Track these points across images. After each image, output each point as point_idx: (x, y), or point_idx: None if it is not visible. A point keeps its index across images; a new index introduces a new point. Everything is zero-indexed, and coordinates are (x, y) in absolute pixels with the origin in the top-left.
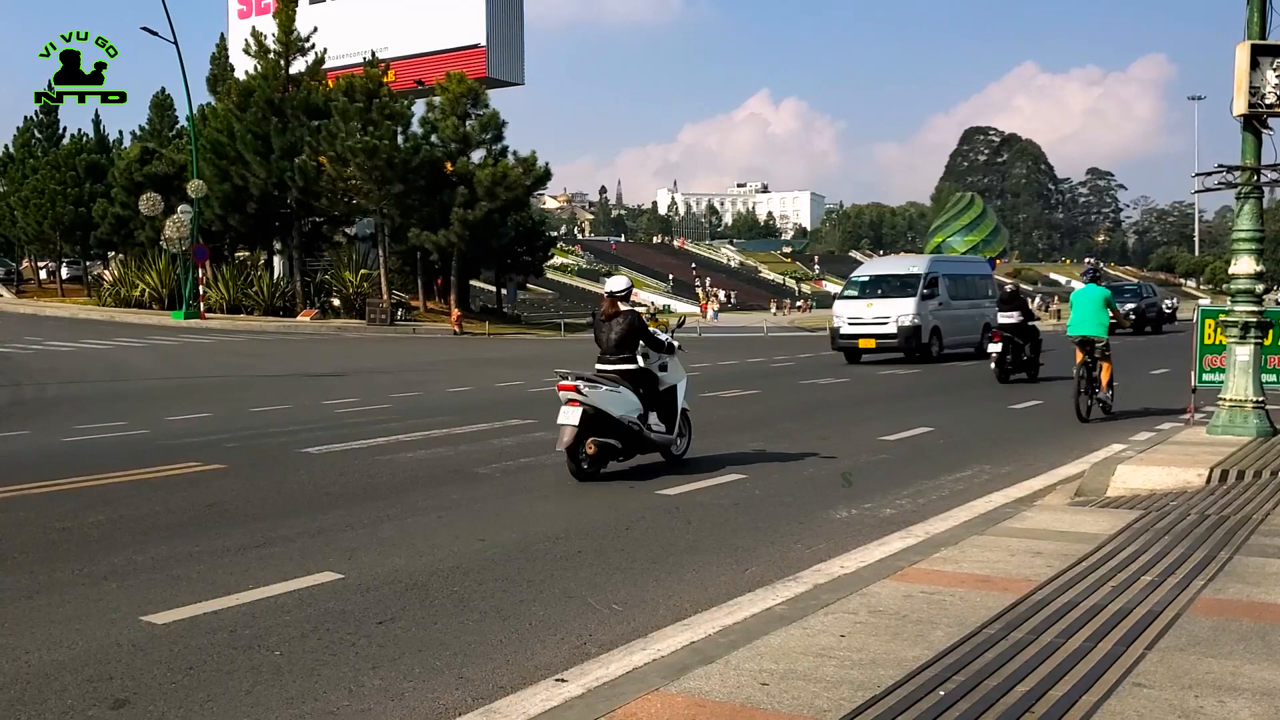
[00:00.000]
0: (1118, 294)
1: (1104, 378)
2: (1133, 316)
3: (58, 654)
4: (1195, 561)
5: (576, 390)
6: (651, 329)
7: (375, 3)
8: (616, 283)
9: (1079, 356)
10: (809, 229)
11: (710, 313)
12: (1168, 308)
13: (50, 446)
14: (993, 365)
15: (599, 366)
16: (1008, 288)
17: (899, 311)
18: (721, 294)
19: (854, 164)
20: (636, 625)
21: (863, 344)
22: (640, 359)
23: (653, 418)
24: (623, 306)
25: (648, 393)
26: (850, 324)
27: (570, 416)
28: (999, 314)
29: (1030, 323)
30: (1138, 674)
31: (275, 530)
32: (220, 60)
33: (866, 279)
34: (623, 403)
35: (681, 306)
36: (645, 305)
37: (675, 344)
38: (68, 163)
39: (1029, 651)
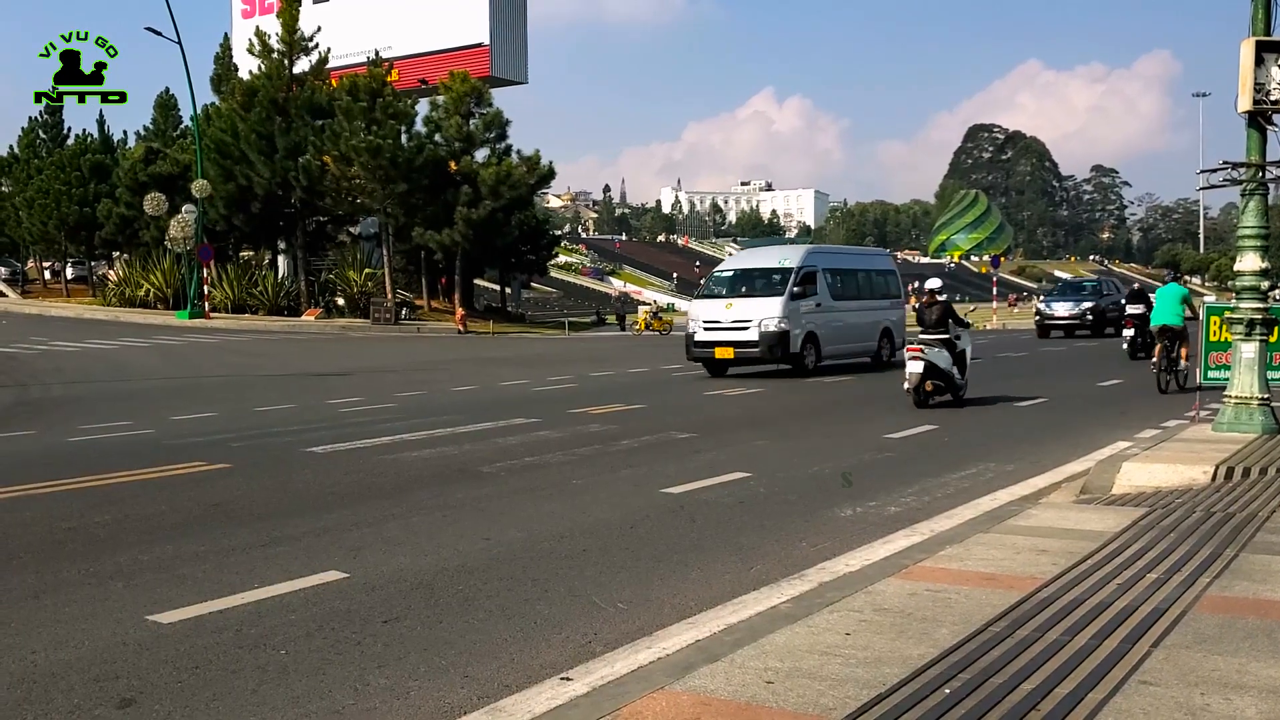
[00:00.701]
0: (1075, 290)
1: (1182, 357)
2: (1089, 317)
3: (64, 653)
4: (1201, 559)
5: (921, 350)
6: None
7: (379, 2)
8: (933, 283)
9: (1159, 342)
10: (813, 227)
11: None
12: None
13: (56, 446)
14: (1125, 345)
15: (923, 337)
16: (1135, 285)
17: (762, 314)
18: None
19: (858, 162)
20: (642, 624)
21: (720, 353)
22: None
23: (955, 370)
24: (939, 298)
25: (952, 353)
26: (706, 329)
27: (916, 367)
28: (1129, 306)
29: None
30: (1144, 672)
31: (280, 529)
32: (224, 60)
33: (730, 274)
34: (943, 358)
35: (685, 305)
36: (649, 303)
37: (969, 323)
38: (72, 163)
39: (1034, 649)
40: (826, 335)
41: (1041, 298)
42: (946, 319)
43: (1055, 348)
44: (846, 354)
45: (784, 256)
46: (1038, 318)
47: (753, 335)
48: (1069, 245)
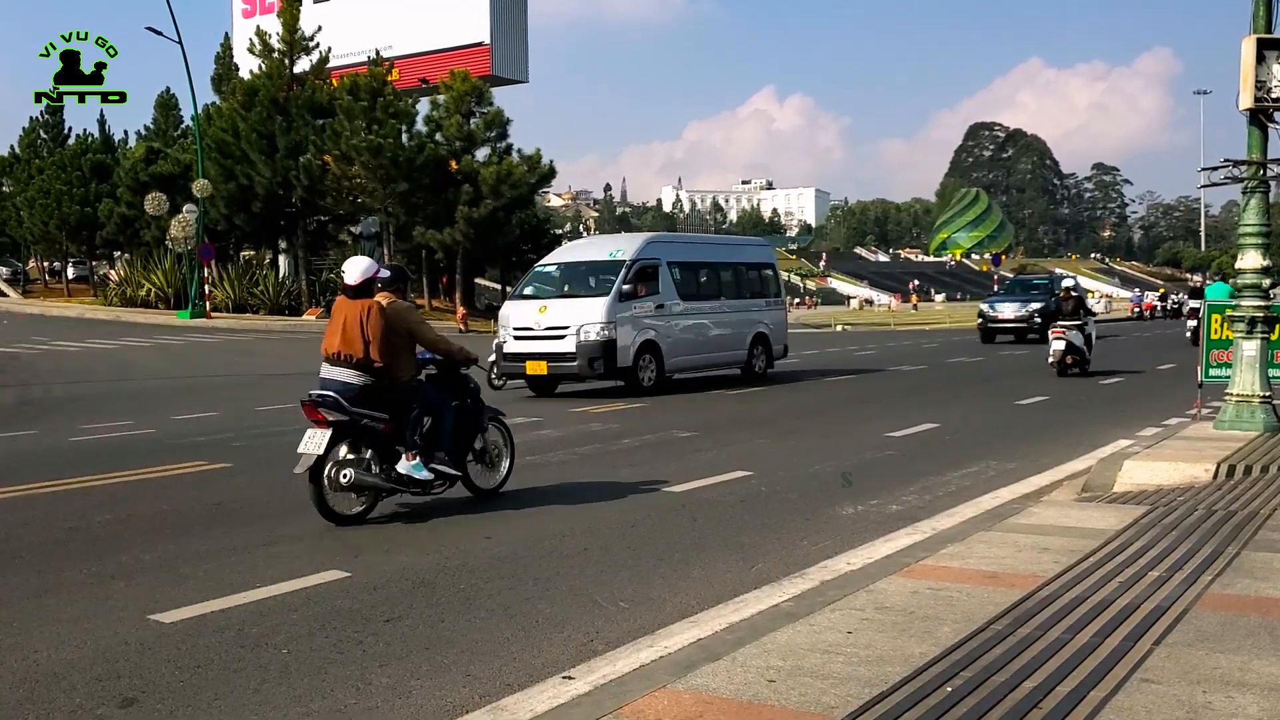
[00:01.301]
0: (1023, 290)
1: None
2: (1037, 319)
3: (66, 653)
4: (1203, 557)
5: (1064, 332)
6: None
7: (379, 2)
8: (1068, 281)
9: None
10: (814, 226)
11: None
12: (1107, 308)
13: (57, 446)
14: (1187, 334)
15: (1062, 324)
16: (1197, 282)
17: (582, 318)
18: None
19: (859, 160)
20: (643, 623)
21: (531, 368)
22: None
23: (1085, 348)
24: (1074, 294)
25: (1083, 335)
26: (517, 338)
27: (1059, 345)
28: (1190, 301)
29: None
30: (1146, 669)
31: (282, 529)
32: (225, 60)
33: (553, 269)
34: (1079, 339)
35: None
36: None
37: (1096, 314)
38: (73, 163)
39: (1036, 647)
40: (673, 344)
41: (986, 298)
42: (1079, 310)
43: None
44: (704, 365)
45: (618, 247)
46: (980, 320)
47: (568, 346)
48: (1070, 243)
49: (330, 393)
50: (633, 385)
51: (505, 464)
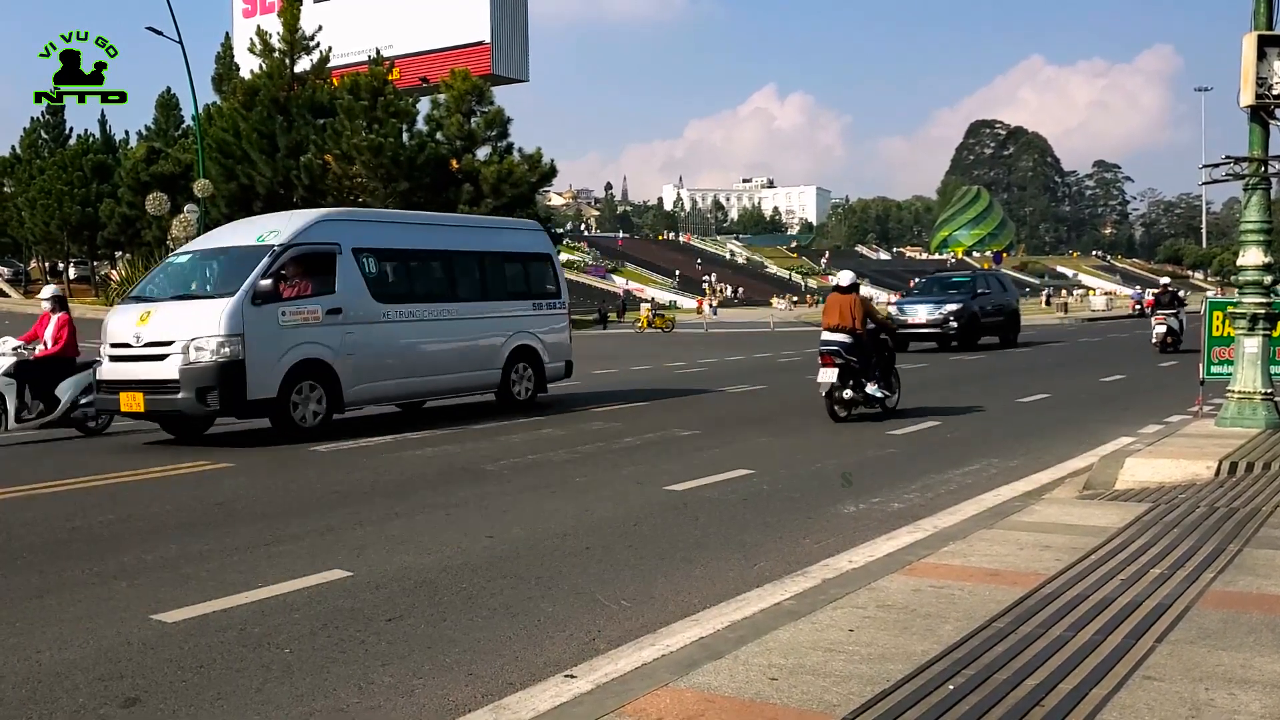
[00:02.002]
0: (940, 289)
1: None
2: (953, 324)
3: (68, 653)
4: (1205, 554)
5: (1165, 319)
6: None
7: (380, 1)
8: (1165, 279)
9: None
10: (815, 224)
11: (707, 308)
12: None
13: (59, 446)
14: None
15: (1162, 313)
16: None
17: (192, 330)
18: (728, 289)
19: (860, 159)
20: (645, 621)
21: (126, 401)
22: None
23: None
24: (1170, 289)
25: (1179, 320)
26: (113, 357)
27: (1161, 328)
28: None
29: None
30: (1148, 667)
31: (284, 528)
32: (225, 59)
33: (184, 260)
34: (1178, 324)
35: (687, 303)
36: (649, 301)
37: (1185, 305)
38: (74, 163)
39: (1038, 645)
40: (359, 366)
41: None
42: (1174, 301)
43: (1068, 341)
44: (422, 392)
45: (272, 228)
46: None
47: (168, 372)
48: (1071, 241)
49: (835, 347)
50: (285, 427)
51: (898, 394)
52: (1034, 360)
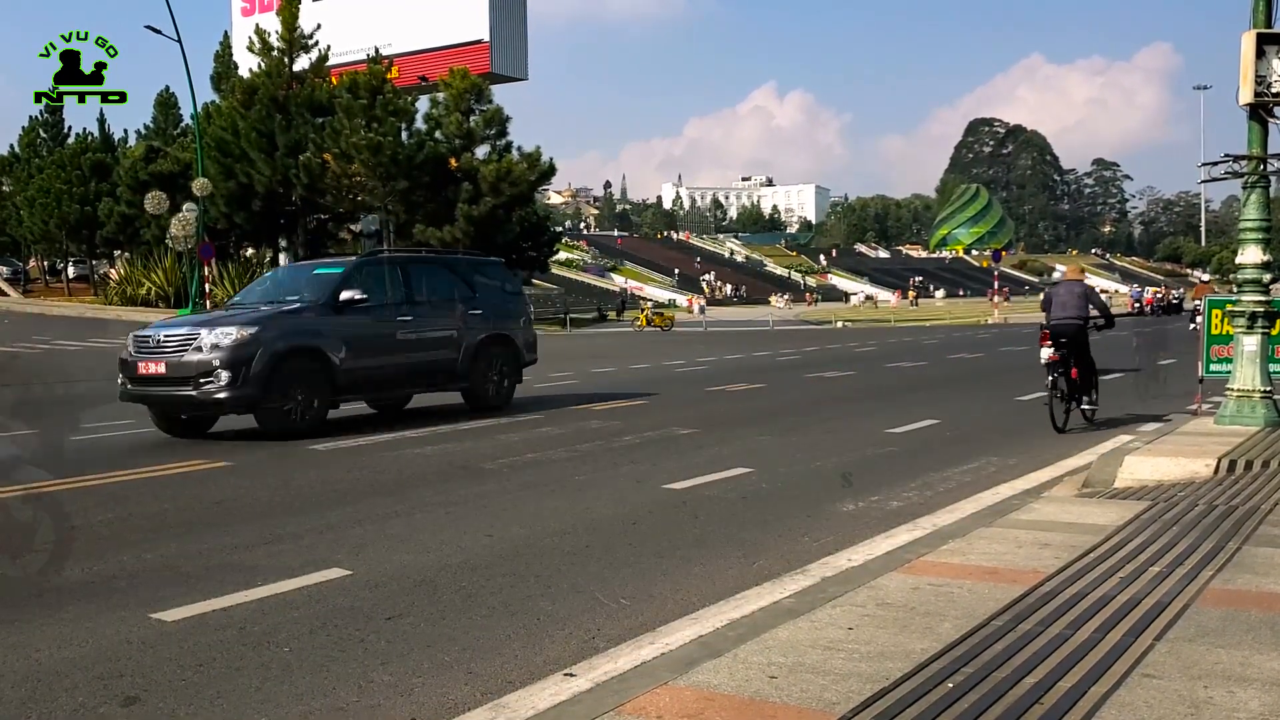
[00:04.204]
0: (288, 285)
1: None
2: (210, 380)
3: (68, 652)
4: (1204, 552)
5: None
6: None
7: None
8: (1205, 274)
9: None
10: (814, 222)
11: (696, 307)
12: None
13: (59, 445)
14: None
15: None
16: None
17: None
18: (728, 287)
19: (859, 157)
20: (644, 619)
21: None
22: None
23: None
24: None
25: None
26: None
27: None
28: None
29: None
30: (1147, 665)
31: (283, 527)
32: (224, 58)
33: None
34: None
35: (685, 302)
36: (648, 300)
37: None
38: (73, 162)
39: (1037, 643)
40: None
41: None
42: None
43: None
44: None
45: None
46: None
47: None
48: (1070, 239)
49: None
50: None
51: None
52: (1034, 360)
